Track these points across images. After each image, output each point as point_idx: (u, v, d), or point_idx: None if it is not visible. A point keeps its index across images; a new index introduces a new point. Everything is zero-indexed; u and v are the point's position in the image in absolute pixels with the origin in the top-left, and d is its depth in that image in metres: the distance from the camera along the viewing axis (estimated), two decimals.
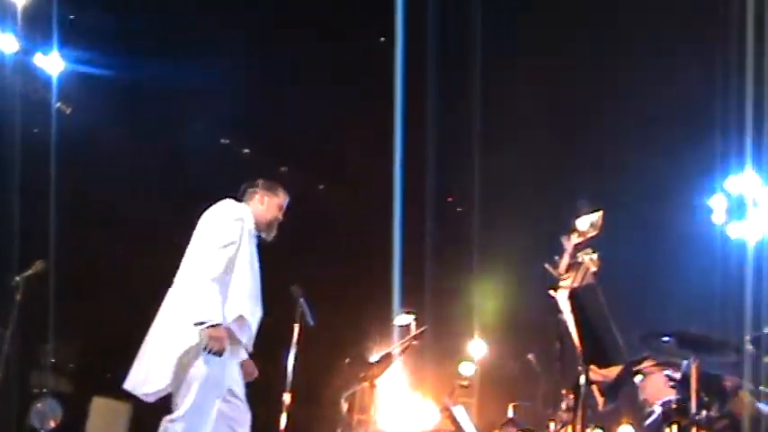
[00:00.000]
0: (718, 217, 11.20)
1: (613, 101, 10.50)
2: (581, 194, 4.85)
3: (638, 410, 7.51)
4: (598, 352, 4.45)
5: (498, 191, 11.43)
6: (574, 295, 4.49)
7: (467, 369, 10.94)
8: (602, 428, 8.47)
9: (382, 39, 10.09)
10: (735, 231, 11.01)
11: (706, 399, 4.62)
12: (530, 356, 9.17)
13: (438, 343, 10.50)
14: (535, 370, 9.16)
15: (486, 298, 11.67)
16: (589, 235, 4.75)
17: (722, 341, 4.68)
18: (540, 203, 10.46)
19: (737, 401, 4.79)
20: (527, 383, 9.93)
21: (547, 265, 4.77)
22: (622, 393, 6.49)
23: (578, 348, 4.61)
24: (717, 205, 11.21)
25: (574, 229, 4.75)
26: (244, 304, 5.64)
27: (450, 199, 12.66)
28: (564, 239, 4.68)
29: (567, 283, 4.58)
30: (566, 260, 4.68)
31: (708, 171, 10.88)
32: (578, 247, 4.72)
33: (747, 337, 4.69)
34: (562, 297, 4.70)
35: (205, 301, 5.43)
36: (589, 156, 10.87)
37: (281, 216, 6.05)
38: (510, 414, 9.81)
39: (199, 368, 5.45)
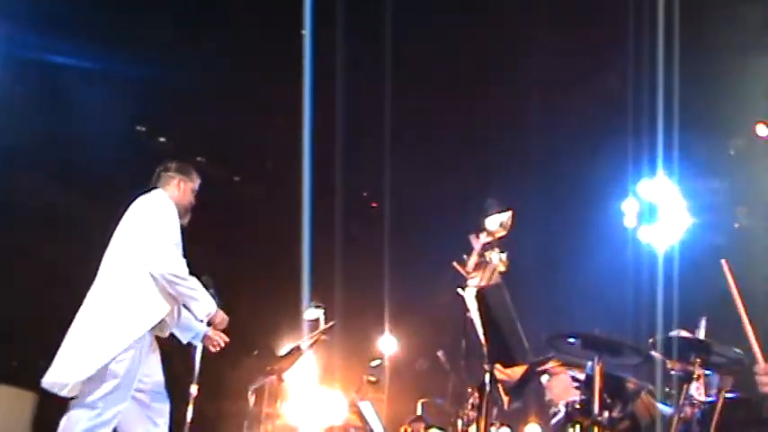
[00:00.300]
0: (629, 221, 11.36)
1: (528, 102, 10.57)
2: (492, 195, 4.85)
3: (545, 410, 7.59)
4: (503, 351, 4.46)
5: (413, 187, 11.46)
6: (480, 294, 4.49)
7: (376, 364, 10.92)
8: (509, 427, 8.54)
9: (303, 32, 10.03)
10: (645, 235, 11.17)
11: (609, 400, 4.66)
12: (439, 354, 9.18)
13: (348, 338, 10.48)
14: (444, 367, 9.17)
15: (399, 294, 11.66)
16: (498, 235, 4.75)
17: (625, 343, 4.72)
18: (453, 202, 10.49)
19: (639, 403, 4.84)
20: (437, 380, 9.96)
21: (455, 264, 4.77)
22: (530, 392, 6.54)
23: (484, 347, 4.61)
24: (628, 209, 11.36)
25: (483, 229, 4.75)
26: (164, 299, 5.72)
27: (365, 194, 12.67)
28: (472, 238, 4.68)
29: (475, 281, 4.58)
30: (474, 259, 4.68)
31: (620, 175, 11.01)
32: (486, 247, 4.72)
33: (650, 341, 4.73)
34: (469, 295, 4.70)
35: (201, 296, 5.74)
36: (503, 157, 10.94)
37: (193, 200, 6.05)
38: (419, 411, 9.83)
39: (121, 363, 5.49)
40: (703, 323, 4.77)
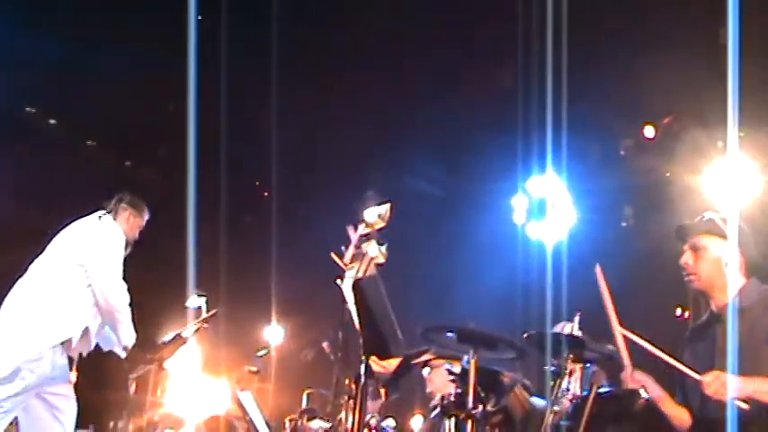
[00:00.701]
0: (518, 217, 11.48)
1: (417, 97, 10.61)
2: (375, 188, 4.84)
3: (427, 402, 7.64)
4: (378, 343, 4.45)
5: (302, 176, 11.43)
6: (357, 286, 4.48)
7: (263, 354, 10.84)
8: (393, 418, 8.55)
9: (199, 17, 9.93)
10: (534, 232, 11.30)
11: (483, 393, 4.69)
12: (324, 345, 9.16)
13: (234, 327, 10.42)
14: (329, 358, 9.15)
15: (286, 283, 11.62)
16: (377, 227, 4.74)
17: (500, 338, 4.75)
18: (340, 193, 10.49)
19: (513, 397, 4.88)
20: (322, 371, 9.94)
21: (333, 255, 4.75)
22: (409, 385, 6.54)
23: (360, 339, 4.60)
24: (518, 205, 11.49)
25: (361, 220, 4.74)
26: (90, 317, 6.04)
27: (257, 183, 12.61)
28: (350, 229, 4.67)
29: (352, 273, 4.57)
30: (351, 251, 4.67)
31: (510, 172, 11.13)
32: (363, 239, 4.71)
33: (525, 336, 4.76)
34: (346, 287, 4.68)
35: (129, 327, 6.18)
36: (390, 148, 10.96)
37: (137, 237, 6.18)
38: (304, 401, 9.81)
39: (34, 366, 5.72)
40: (577, 319, 4.84)
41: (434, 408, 6.87)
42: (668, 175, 11.00)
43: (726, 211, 10.08)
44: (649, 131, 11.23)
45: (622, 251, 10.77)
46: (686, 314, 8.77)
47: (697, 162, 10.73)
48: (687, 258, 4.84)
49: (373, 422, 7.00)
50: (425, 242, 11.15)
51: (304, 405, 9.69)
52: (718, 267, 4.80)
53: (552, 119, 9.35)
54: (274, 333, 12.20)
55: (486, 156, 10.78)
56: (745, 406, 4.36)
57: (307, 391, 9.89)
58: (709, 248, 4.81)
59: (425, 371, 7.22)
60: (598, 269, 4.72)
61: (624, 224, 11.97)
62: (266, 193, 12.50)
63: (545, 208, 11.16)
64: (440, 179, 11.08)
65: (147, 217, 6.53)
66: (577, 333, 4.79)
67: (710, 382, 4.40)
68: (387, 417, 8.56)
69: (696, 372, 4.66)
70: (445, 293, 10.91)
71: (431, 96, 10.61)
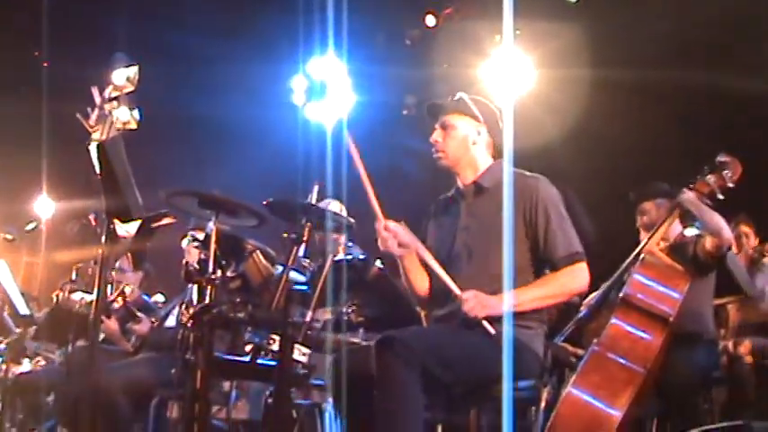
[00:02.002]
0: (297, 98, 11.52)
1: None
2: (120, 53, 4.73)
3: None
4: (121, 207, 4.42)
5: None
6: (101, 148, 4.42)
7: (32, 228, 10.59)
8: (162, 294, 8.59)
9: None
10: (313, 113, 11.39)
11: (224, 260, 4.76)
12: (90, 216, 9.02)
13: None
14: (96, 231, 9.03)
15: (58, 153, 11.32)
16: (126, 90, 4.67)
17: (242, 205, 4.81)
18: None
19: (251, 263, 4.96)
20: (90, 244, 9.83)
21: (78, 115, 4.66)
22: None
23: (103, 203, 4.55)
24: (297, 87, 11.51)
25: (109, 82, 4.65)
26: None
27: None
28: (94, 91, 4.58)
29: (97, 135, 4.50)
30: (96, 112, 4.59)
31: (290, 52, 11.10)
32: (110, 101, 4.63)
33: (264, 203, 4.83)
34: (93, 150, 4.61)
35: None
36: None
37: None
38: (73, 275, 9.68)
39: None
40: (316, 189, 4.93)
41: None
42: (446, 66, 11.23)
43: (501, 102, 10.52)
44: (431, 20, 11.40)
45: (400, 137, 10.98)
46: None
47: (474, 54, 11.02)
48: (437, 136, 4.99)
49: (128, 290, 7.02)
50: (199, 119, 11.07)
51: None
52: (465, 146, 4.98)
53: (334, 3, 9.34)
54: (44, 206, 11.93)
55: (265, 35, 10.69)
56: (491, 330, 4.55)
57: (77, 266, 9.76)
58: (458, 127, 4.97)
59: (184, 242, 7.25)
60: (348, 138, 4.80)
61: (405, 112, 12.15)
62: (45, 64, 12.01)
63: (324, 89, 11.24)
64: (217, 58, 10.89)
65: None
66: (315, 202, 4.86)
67: (469, 299, 4.56)
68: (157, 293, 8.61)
69: (439, 248, 4.85)
70: (221, 173, 10.86)
71: None
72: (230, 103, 10.86)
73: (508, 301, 4.57)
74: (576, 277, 4.79)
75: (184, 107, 11.01)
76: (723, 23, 9.52)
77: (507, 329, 4.53)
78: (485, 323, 4.54)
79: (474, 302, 4.54)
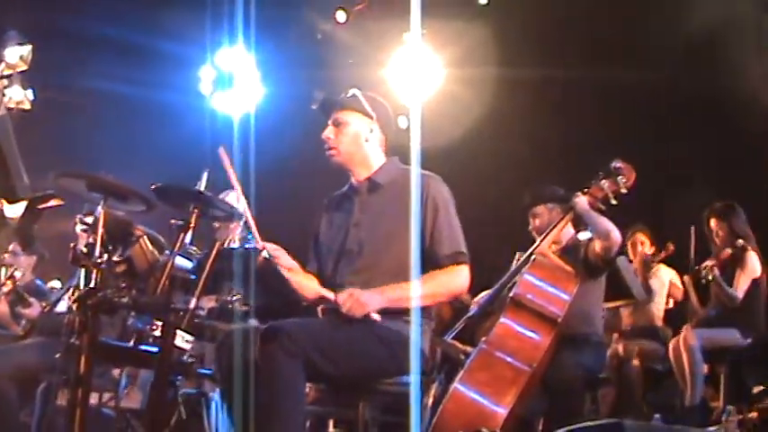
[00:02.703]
0: (205, 88, 11.45)
1: None
2: (12, 30, 4.66)
3: None
4: (7, 187, 4.36)
5: None
6: None
7: None
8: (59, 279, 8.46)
9: None
10: (220, 104, 11.34)
11: (111, 245, 4.71)
12: None
13: None
14: None
15: None
16: (19, 69, 4.60)
17: (130, 189, 4.76)
18: None
19: (137, 248, 4.92)
20: None
21: None
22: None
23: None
24: (205, 76, 11.45)
25: (1, 60, 4.58)
26: None
27: None
28: None
29: None
30: None
31: (198, 43, 11.02)
32: (4, 79, 4.56)
33: (152, 187, 4.78)
34: None
35: None
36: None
37: None
38: None
39: None
40: (205, 175, 4.90)
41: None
42: (351, 62, 11.24)
43: (409, 101, 10.58)
44: (341, 16, 11.41)
45: (305, 130, 10.95)
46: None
47: (382, 52, 11.07)
48: (329, 133, 4.98)
49: (18, 274, 6.92)
50: (105, 102, 10.92)
51: None
52: (358, 143, 4.97)
53: None
54: None
55: (174, 23, 10.57)
56: (377, 317, 4.57)
57: None
58: (351, 124, 4.96)
59: (78, 227, 7.14)
60: (222, 152, 4.78)
61: (314, 107, 12.10)
62: None
63: (232, 81, 11.19)
64: (120, 46, 10.70)
65: None
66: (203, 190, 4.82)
67: (345, 300, 4.53)
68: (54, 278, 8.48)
69: (331, 243, 4.87)
70: (126, 157, 10.69)
71: None
72: (138, 88, 10.70)
73: (386, 297, 4.59)
74: (456, 278, 4.80)
75: (90, 91, 10.86)
76: (627, 24, 9.75)
77: (415, 326, 4.57)
78: (371, 314, 4.54)
79: (350, 303, 4.53)
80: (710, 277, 8.20)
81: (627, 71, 9.33)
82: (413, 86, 10.91)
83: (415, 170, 4.88)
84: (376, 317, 4.55)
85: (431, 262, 4.76)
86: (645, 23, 9.84)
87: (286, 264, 4.78)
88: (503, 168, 10.48)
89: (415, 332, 4.66)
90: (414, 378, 4.60)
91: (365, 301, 4.54)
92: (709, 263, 8.29)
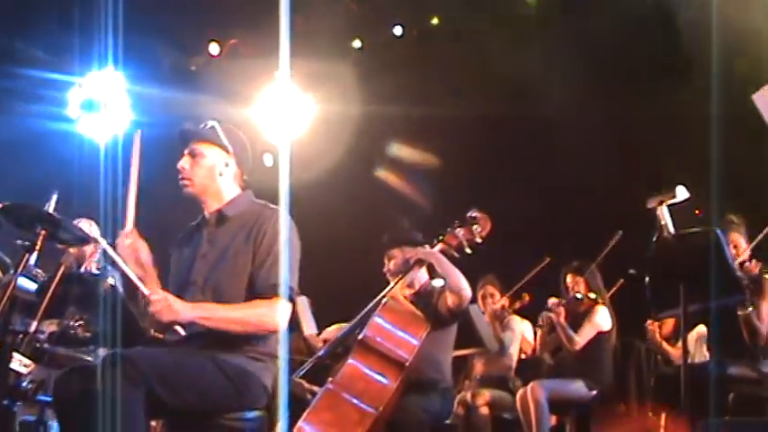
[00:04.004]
0: (72, 111, 11.28)
1: None
2: None
3: None
4: None
5: None
6: None
7: None
8: None
9: None
10: (86, 128, 11.18)
11: None
12: None
13: None
14: None
15: None
16: None
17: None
18: None
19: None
20: None
21: None
22: None
23: None
24: (72, 99, 11.28)
25: None
26: None
27: None
28: None
29: None
30: None
31: (68, 64, 10.86)
32: None
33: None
34: None
35: None
36: None
37: None
38: None
39: None
40: (54, 197, 4.82)
41: None
42: (217, 98, 11.18)
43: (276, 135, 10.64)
44: (214, 49, 11.42)
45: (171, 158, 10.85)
46: None
47: (253, 88, 11.13)
48: (184, 163, 4.94)
49: None
50: None
51: None
52: (212, 176, 4.94)
53: (113, 20, 9.19)
54: None
55: (47, 40, 10.41)
56: (182, 332, 4.52)
57: None
58: (207, 156, 4.93)
59: None
60: (136, 136, 4.73)
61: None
62: None
63: (100, 105, 11.05)
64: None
65: None
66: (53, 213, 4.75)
67: (158, 301, 4.47)
68: None
69: (176, 276, 4.82)
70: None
71: None
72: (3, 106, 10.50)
73: (197, 313, 4.54)
74: (274, 311, 4.67)
75: None
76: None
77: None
78: (176, 326, 4.49)
79: (161, 305, 4.47)
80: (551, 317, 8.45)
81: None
82: (281, 123, 11.00)
83: (283, 206, 4.88)
84: (180, 330, 4.50)
85: (251, 290, 4.73)
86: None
87: (141, 258, 4.68)
88: (369, 206, 10.60)
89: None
90: (256, 414, 4.58)
91: (177, 309, 4.49)
92: (553, 303, 8.50)
